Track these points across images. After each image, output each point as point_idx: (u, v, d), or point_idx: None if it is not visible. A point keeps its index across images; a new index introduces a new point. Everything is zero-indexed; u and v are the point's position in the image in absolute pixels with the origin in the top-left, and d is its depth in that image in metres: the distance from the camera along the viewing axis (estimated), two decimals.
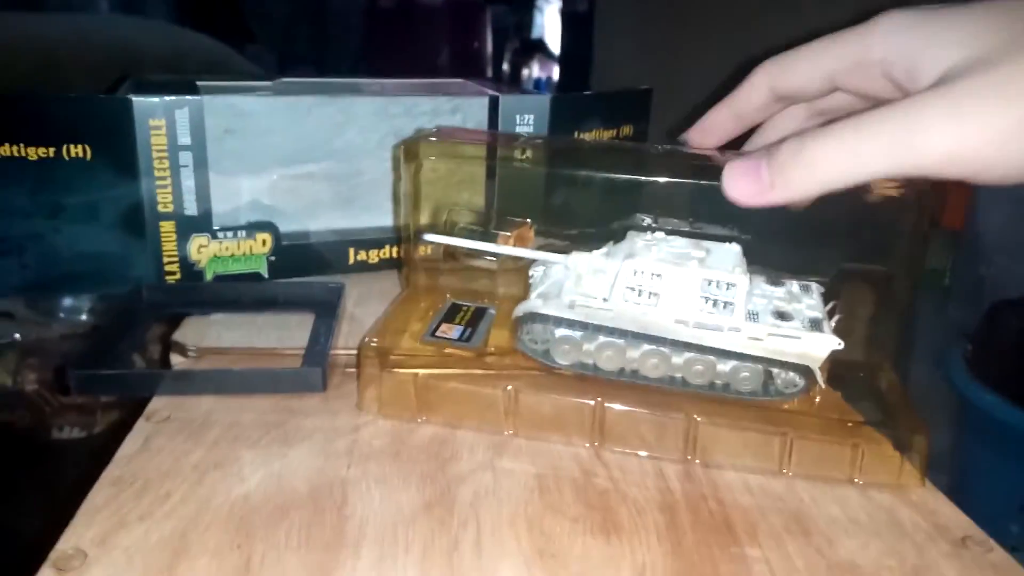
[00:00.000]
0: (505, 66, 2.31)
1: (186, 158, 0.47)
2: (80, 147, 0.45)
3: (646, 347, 0.38)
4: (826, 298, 0.40)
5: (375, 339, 0.39)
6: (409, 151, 0.42)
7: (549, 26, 2.41)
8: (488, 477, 0.34)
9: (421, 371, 0.38)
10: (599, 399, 0.36)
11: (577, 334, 0.39)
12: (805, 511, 0.33)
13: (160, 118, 0.45)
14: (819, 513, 0.32)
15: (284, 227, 0.50)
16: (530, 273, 0.43)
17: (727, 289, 0.36)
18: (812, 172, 0.31)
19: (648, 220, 0.42)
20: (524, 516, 0.31)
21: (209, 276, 0.49)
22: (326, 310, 0.45)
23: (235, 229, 0.49)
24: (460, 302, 0.47)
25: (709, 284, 0.37)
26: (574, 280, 0.39)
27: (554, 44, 2.39)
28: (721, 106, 0.40)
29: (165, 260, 0.48)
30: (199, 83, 0.50)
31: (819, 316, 0.38)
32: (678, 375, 0.38)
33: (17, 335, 0.70)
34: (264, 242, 0.50)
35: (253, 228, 0.49)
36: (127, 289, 0.46)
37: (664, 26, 1.65)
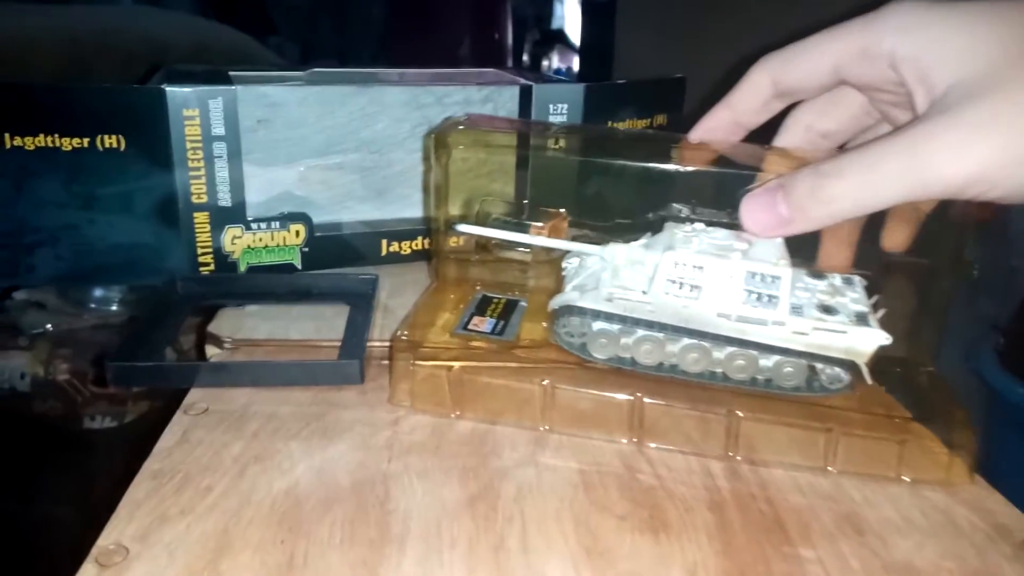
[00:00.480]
0: (525, 56, 2.30)
1: (220, 148, 0.46)
2: (114, 138, 0.44)
3: (686, 341, 0.37)
4: (869, 291, 0.39)
5: (406, 332, 0.38)
6: (439, 140, 0.41)
7: (569, 16, 2.39)
8: (531, 472, 0.33)
9: (455, 364, 0.38)
10: (638, 394, 0.36)
11: (615, 328, 0.38)
12: (856, 510, 0.32)
13: (194, 108, 0.45)
14: (871, 512, 0.32)
15: (317, 218, 0.50)
16: (563, 265, 0.42)
17: (771, 282, 0.36)
18: (829, 207, 0.32)
19: (686, 211, 0.42)
20: (570, 513, 0.31)
21: (243, 267, 0.49)
22: (361, 302, 0.45)
23: (268, 220, 0.49)
24: (491, 294, 0.46)
25: (753, 277, 0.36)
26: (611, 272, 0.38)
27: (574, 34, 2.37)
28: (720, 107, 0.39)
29: (199, 251, 0.47)
30: (232, 73, 0.50)
31: (864, 310, 0.37)
32: (719, 370, 0.38)
33: (49, 325, 0.70)
34: (298, 233, 0.50)
35: (287, 219, 0.49)
36: (161, 280, 0.46)
37: (687, 15, 1.63)
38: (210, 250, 0.48)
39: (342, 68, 0.56)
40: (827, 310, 0.36)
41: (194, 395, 0.37)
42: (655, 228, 0.40)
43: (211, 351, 0.42)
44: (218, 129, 0.46)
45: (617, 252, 0.38)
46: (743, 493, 0.32)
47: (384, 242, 0.52)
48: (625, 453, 0.35)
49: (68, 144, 0.44)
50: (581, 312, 0.38)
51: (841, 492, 0.33)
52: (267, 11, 1.83)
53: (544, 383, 0.36)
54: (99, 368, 0.40)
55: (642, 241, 0.39)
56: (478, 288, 0.47)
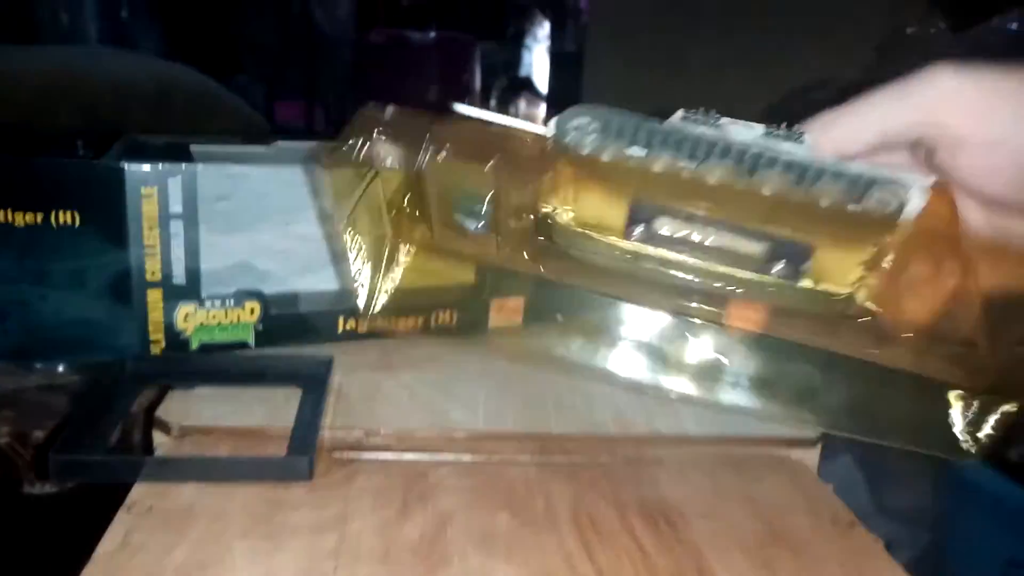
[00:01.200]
0: (493, 102, 2.33)
1: (176, 226, 0.46)
2: (69, 213, 0.44)
3: None
4: None
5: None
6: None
7: (538, 64, 2.43)
8: None
9: None
10: None
11: None
12: None
13: (152, 186, 0.45)
14: None
15: (274, 289, 0.50)
16: None
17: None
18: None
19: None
20: None
21: (195, 345, 0.48)
22: (314, 385, 0.45)
23: (223, 298, 0.48)
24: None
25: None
26: None
27: (542, 83, 2.41)
28: None
29: (151, 328, 0.47)
30: (192, 147, 0.50)
31: None
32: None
33: None
34: (252, 311, 0.49)
35: (241, 296, 0.49)
36: (110, 358, 0.45)
37: (653, 70, 1.67)
38: (162, 327, 0.47)
39: (306, 141, 0.56)
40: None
41: (138, 490, 0.37)
42: None
43: (158, 438, 0.41)
44: (176, 207, 0.46)
45: None
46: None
47: (341, 319, 0.52)
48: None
49: (21, 219, 0.43)
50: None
51: None
52: (232, 50, 1.84)
53: None
54: (45, 434, 0.39)
55: None
56: None
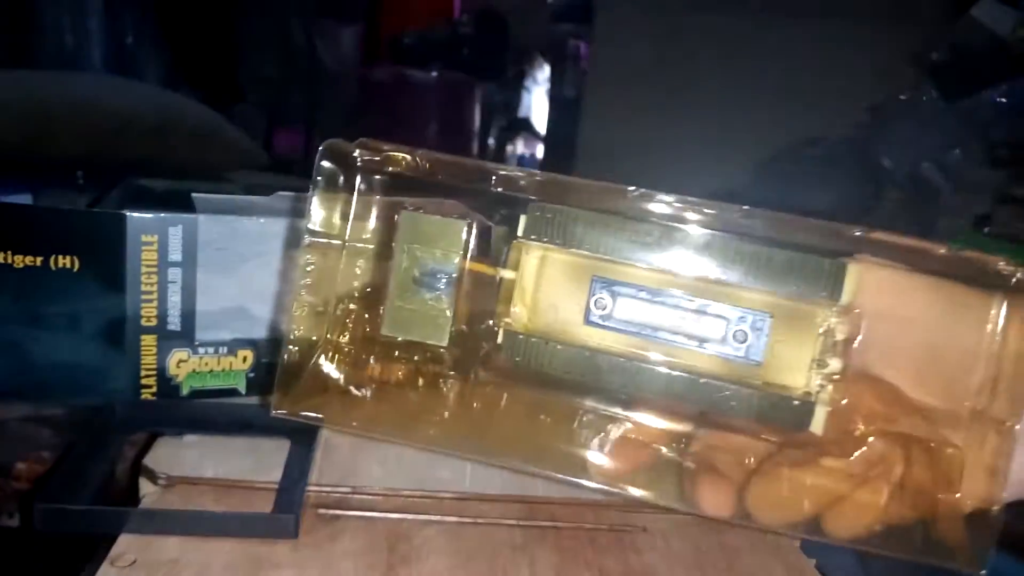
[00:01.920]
0: (491, 141, 2.35)
1: (175, 274, 0.46)
2: (68, 258, 0.44)
3: None
4: None
5: None
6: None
7: (537, 106, 2.46)
8: None
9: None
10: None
11: None
12: None
13: (153, 234, 0.45)
14: None
15: (267, 337, 0.50)
16: None
17: None
18: None
19: None
20: None
21: (185, 390, 0.48)
22: (303, 438, 0.45)
23: (217, 345, 0.49)
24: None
25: None
26: None
27: (540, 124, 2.43)
28: None
29: (143, 373, 0.47)
30: (194, 195, 0.51)
31: None
32: None
33: None
34: (245, 359, 0.50)
35: (235, 344, 0.49)
36: (99, 402, 0.46)
37: (654, 114, 1.69)
38: (154, 372, 0.47)
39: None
40: None
41: (123, 542, 0.37)
42: None
43: (145, 487, 0.41)
44: (175, 255, 0.46)
45: None
46: None
47: None
48: None
49: (21, 261, 0.44)
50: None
51: None
52: (234, 79, 1.85)
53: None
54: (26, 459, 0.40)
55: None
56: None
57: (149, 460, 0.43)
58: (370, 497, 0.42)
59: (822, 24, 1.46)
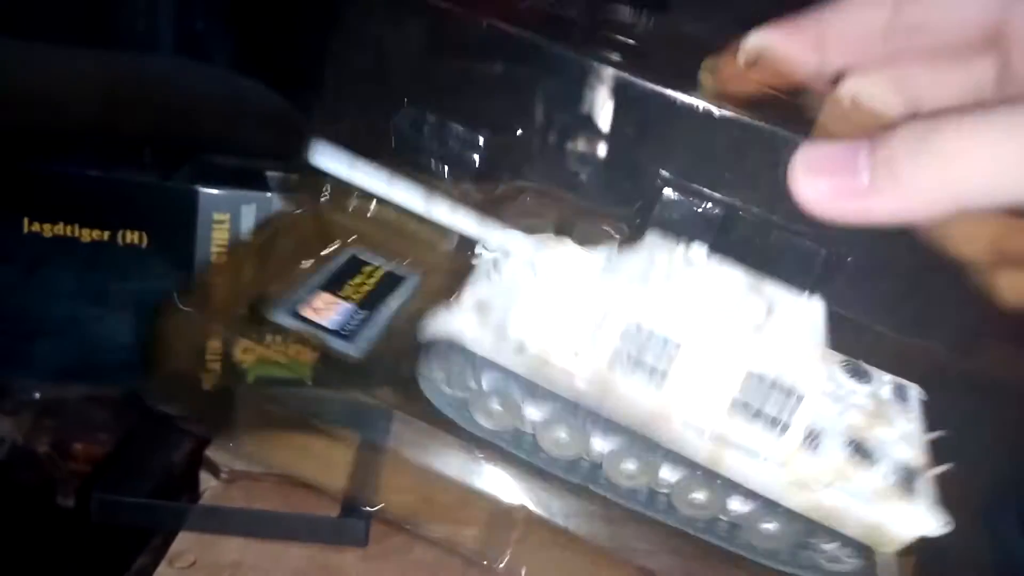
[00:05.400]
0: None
1: None
2: (137, 233, 0.42)
3: (622, 442, 0.24)
4: (929, 417, 0.26)
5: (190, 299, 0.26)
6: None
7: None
8: None
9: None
10: (523, 503, 0.25)
11: (518, 391, 0.24)
12: None
13: (225, 212, 0.43)
14: None
15: None
16: (476, 252, 0.26)
17: (786, 400, 0.22)
18: (944, 173, 0.18)
19: (677, 195, 0.25)
20: None
21: (252, 378, 0.46)
22: (374, 435, 0.42)
23: (285, 332, 0.46)
24: (364, 256, 0.30)
25: (759, 381, 0.22)
26: (537, 299, 0.24)
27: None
28: (807, 19, 0.24)
29: (208, 358, 0.45)
30: (269, 173, 0.48)
31: (913, 462, 0.24)
32: (663, 491, 0.25)
33: (37, 394, 0.67)
34: (313, 348, 0.47)
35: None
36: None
37: None
38: (219, 358, 0.45)
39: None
40: (861, 451, 0.23)
41: (183, 540, 0.34)
42: (636, 227, 0.26)
43: (206, 480, 0.39)
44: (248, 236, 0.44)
45: (556, 262, 0.24)
46: None
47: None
48: None
49: (88, 235, 0.42)
50: (468, 357, 0.24)
51: None
52: (303, 66, 1.84)
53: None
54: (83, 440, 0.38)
55: (601, 254, 0.24)
56: (349, 242, 0.30)
57: (211, 451, 0.40)
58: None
59: None
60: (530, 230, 0.25)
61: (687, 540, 0.25)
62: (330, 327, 0.28)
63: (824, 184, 0.20)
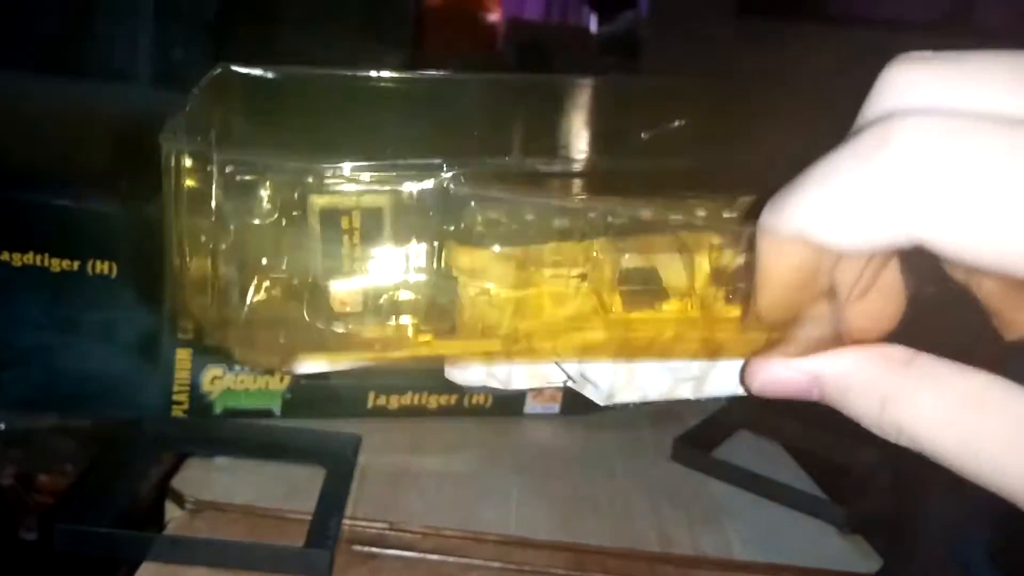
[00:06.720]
0: None
1: None
2: (106, 263, 0.42)
3: None
4: None
5: None
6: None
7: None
8: None
9: None
10: None
11: None
12: None
13: None
14: None
15: None
16: None
17: None
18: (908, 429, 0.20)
19: None
20: None
21: (219, 409, 0.46)
22: (339, 466, 0.42)
23: None
24: None
25: None
26: None
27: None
28: None
29: (175, 388, 0.45)
30: None
31: None
32: None
33: (3, 424, 0.67)
34: (282, 378, 0.47)
35: None
36: (128, 416, 0.43)
37: None
38: (187, 388, 0.45)
39: None
40: None
41: (145, 571, 0.34)
42: None
43: (171, 510, 0.39)
44: None
45: None
46: None
47: (372, 394, 0.50)
48: None
49: (58, 265, 0.42)
50: None
51: None
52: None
53: None
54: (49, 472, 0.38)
55: None
56: None
57: (177, 482, 0.40)
58: (409, 535, 0.39)
59: None
60: None
61: None
62: None
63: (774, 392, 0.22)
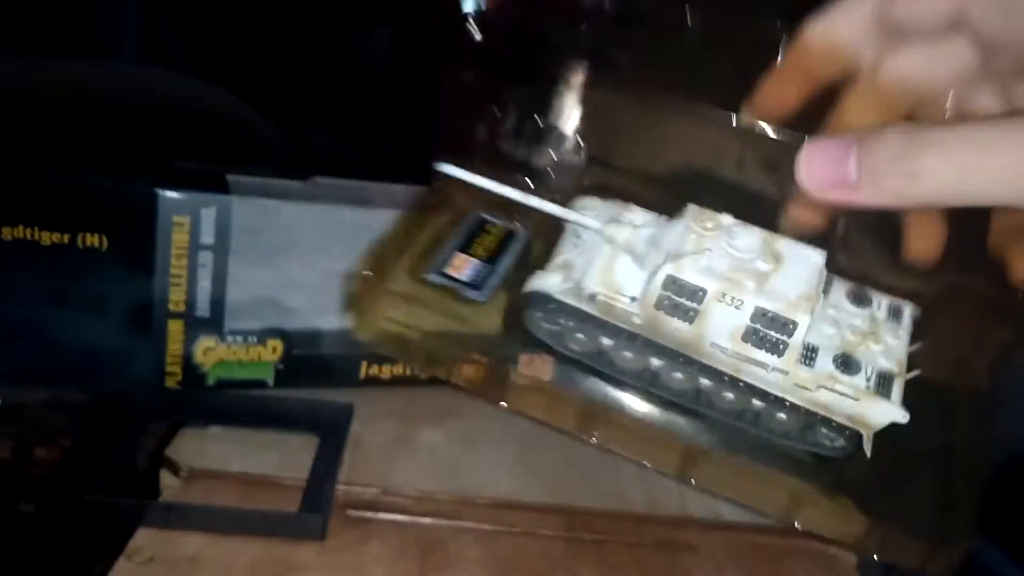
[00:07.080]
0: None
1: (206, 258, 0.44)
2: (97, 236, 0.43)
3: (670, 360, 0.32)
4: (919, 328, 0.33)
5: (369, 268, 0.33)
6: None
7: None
8: None
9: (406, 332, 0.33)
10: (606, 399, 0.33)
11: (594, 327, 0.33)
12: None
13: (185, 214, 0.43)
14: None
15: (297, 328, 0.48)
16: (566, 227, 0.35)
17: (783, 328, 0.30)
18: (911, 184, 0.24)
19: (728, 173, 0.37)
20: None
21: (212, 380, 0.46)
22: (332, 435, 0.43)
23: (246, 334, 0.47)
24: (489, 217, 0.37)
25: (764, 316, 0.30)
26: (605, 260, 0.32)
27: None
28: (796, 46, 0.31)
29: (168, 360, 0.45)
30: (229, 177, 0.48)
31: (892, 369, 0.31)
32: (703, 392, 0.33)
33: None
34: (274, 349, 0.47)
35: (265, 334, 0.47)
36: (121, 388, 0.44)
37: None
38: (179, 360, 0.45)
39: (342, 180, 0.55)
40: (846, 364, 0.31)
41: (141, 537, 0.35)
42: (679, 200, 0.33)
43: (166, 478, 0.39)
44: (207, 238, 0.44)
45: (620, 234, 0.32)
46: None
47: (364, 364, 0.50)
48: None
49: (48, 238, 0.42)
50: (556, 304, 0.32)
51: None
52: (269, 75, 1.84)
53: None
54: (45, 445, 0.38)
55: (650, 224, 0.33)
56: (472, 207, 0.37)
57: (171, 451, 0.41)
58: (402, 499, 0.40)
59: None
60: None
61: (724, 427, 0.33)
62: (466, 280, 0.34)
63: (820, 175, 0.26)
